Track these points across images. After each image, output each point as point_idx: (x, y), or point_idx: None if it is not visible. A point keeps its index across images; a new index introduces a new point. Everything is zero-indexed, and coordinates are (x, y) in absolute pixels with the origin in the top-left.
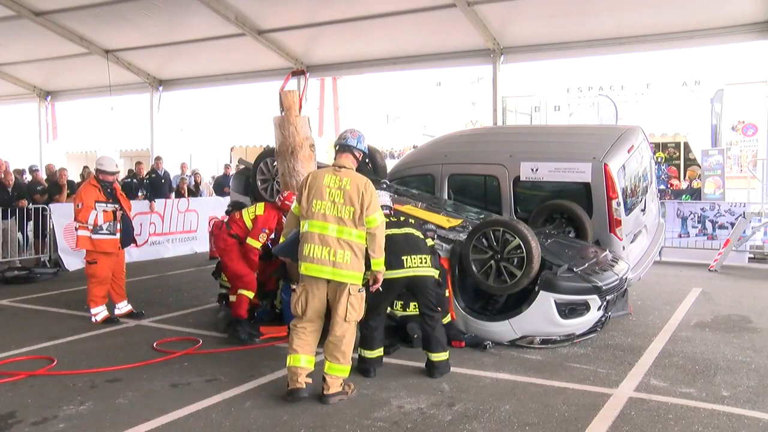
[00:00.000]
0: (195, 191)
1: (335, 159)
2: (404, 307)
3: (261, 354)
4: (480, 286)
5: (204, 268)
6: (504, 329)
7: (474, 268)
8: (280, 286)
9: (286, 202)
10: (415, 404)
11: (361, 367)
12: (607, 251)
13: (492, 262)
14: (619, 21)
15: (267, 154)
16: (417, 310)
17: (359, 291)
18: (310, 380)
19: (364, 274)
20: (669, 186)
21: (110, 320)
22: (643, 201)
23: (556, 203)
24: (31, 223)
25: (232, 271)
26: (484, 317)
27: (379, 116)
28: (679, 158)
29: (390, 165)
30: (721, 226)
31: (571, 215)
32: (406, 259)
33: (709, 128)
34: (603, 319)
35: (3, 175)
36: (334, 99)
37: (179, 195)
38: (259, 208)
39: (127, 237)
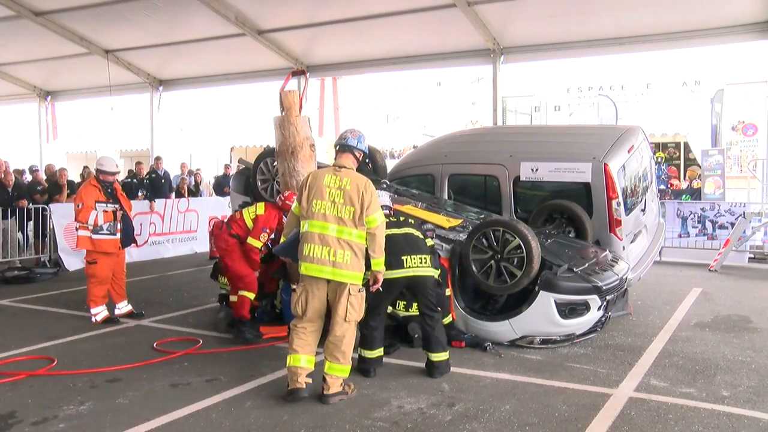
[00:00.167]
0: (195, 191)
1: (335, 159)
2: (407, 308)
3: (261, 354)
4: (480, 286)
5: (204, 268)
6: (504, 329)
7: (474, 268)
8: (280, 286)
9: (287, 202)
10: (415, 404)
11: (361, 367)
12: (607, 251)
13: (492, 262)
14: (619, 21)
15: (267, 154)
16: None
17: (359, 291)
18: (310, 380)
19: (364, 274)
20: (669, 186)
21: (110, 320)
22: (643, 201)
23: (556, 203)
24: (31, 223)
25: (233, 272)
26: (484, 317)
27: (379, 116)
28: (679, 158)
29: (390, 165)
30: (721, 226)
31: (571, 215)
32: (406, 259)
33: (709, 128)
34: (603, 319)
35: (3, 175)
36: (334, 99)
37: (179, 195)
38: (260, 207)
39: (128, 237)
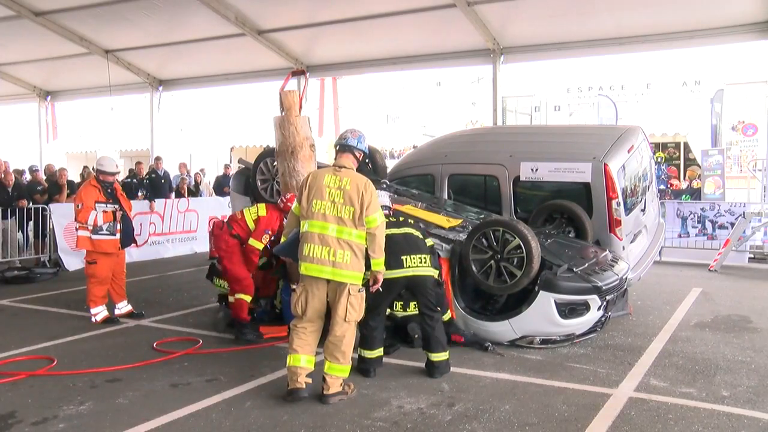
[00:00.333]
0: (195, 191)
1: (335, 159)
2: (404, 308)
3: (261, 354)
4: (480, 286)
5: (204, 269)
6: (504, 329)
7: (474, 268)
8: (280, 286)
9: (289, 204)
10: (415, 404)
11: (361, 367)
12: (607, 251)
13: (492, 262)
14: (619, 21)
15: (267, 154)
16: (416, 309)
17: (359, 291)
18: (310, 380)
19: (364, 274)
20: (669, 186)
21: (110, 320)
22: (643, 201)
23: (556, 203)
24: (31, 223)
25: (231, 274)
26: (484, 317)
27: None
28: (679, 158)
29: (390, 165)
30: (721, 226)
31: (571, 215)
32: (406, 259)
33: (709, 128)
34: (603, 319)
35: (3, 175)
36: (334, 99)
37: (179, 195)
38: (261, 209)
39: (127, 237)
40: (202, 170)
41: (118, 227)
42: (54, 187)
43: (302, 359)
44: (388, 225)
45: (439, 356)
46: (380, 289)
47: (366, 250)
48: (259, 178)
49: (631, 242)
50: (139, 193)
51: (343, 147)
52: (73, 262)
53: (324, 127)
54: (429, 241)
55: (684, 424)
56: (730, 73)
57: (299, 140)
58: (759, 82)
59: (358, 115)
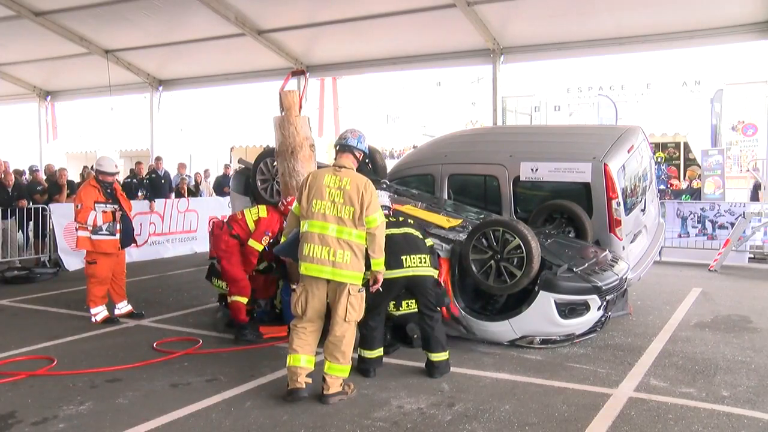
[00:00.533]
0: (195, 191)
1: (335, 159)
2: (397, 307)
3: (261, 354)
4: (480, 286)
5: (204, 269)
6: (504, 329)
7: (474, 268)
8: (280, 286)
9: (289, 207)
10: (415, 404)
11: (361, 367)
12: (607, 251)
13: (492, 262)
14: (619, 21)
15: (267, 154)
16: (410, 308)
17: (359, 291)
18: (310, 380)
19: (364, 274)
20: (669, 186)
21: (110, 320)
22: (643, 201)
23: (556, 203)
24: (31, 223)
25: (229, 275)
26: (484, 317)
27: (379, 116)
28: (679, 158)
29: (390, 165)
30: (721, 226)
31: (571, 215)
32: (406, 259)
33: (709, 128)
34: (603, 319)
35: (3, 175)
36: (334, 99)
37: (179, 195)
38: (262, 210)
39: (127, 237)
40: (205, 171)
41: (118, 227)
42: (54, 187)
43: (302, 359)
44: (388, 225)
45: (438, 356)
46: (380, 289)
47: (366, 250)
48: (259, 179)
49: (631, 242)
50: (139, 193)
51: (343, 147)
52: (73, 262)
53: (324, 127)
54: (429, 241)
55: (684, 424)
56: (730, 73)
57: (299, 140)
58: (759, 82)
59: (358, 115)
